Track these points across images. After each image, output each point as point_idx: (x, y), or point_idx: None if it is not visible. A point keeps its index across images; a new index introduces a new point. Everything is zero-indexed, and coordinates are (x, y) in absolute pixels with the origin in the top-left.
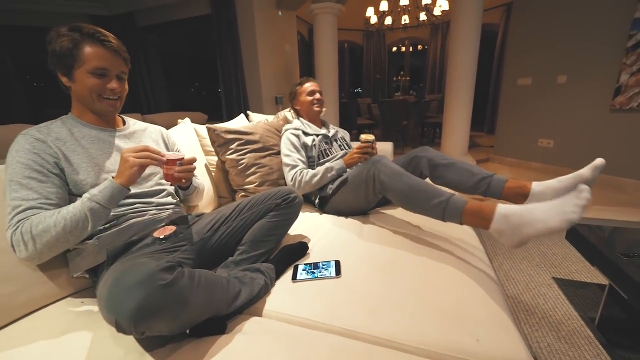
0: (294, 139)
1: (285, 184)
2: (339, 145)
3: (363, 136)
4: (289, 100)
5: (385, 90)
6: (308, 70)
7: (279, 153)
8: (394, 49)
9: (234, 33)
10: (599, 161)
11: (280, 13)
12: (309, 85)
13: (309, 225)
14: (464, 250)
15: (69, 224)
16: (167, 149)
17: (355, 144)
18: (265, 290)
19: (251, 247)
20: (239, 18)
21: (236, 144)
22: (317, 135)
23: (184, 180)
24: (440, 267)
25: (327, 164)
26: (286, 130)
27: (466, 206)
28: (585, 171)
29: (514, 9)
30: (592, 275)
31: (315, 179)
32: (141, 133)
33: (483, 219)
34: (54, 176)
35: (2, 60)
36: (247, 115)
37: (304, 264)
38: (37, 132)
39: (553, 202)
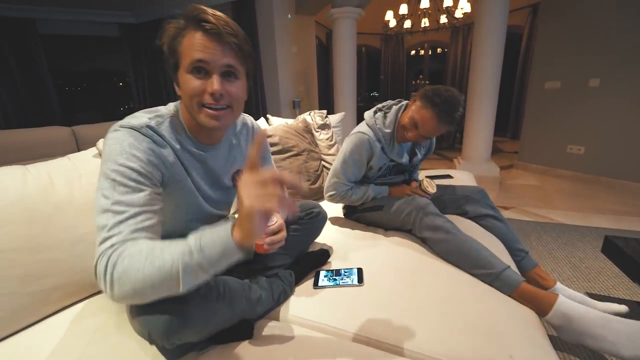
0: (365, 154)
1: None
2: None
3: (425, 183)
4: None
5: (403, 94)
6: (325, 75)
7: (298, 154)
8: (413, 52)
9: (253, 38)
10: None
11: (289, 16)
12: (422, 123)
13: (330, 231)
14: None
15: (153, 274)
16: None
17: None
18: (285, 296)
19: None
20: (259, 23)
21: None
22: (392, 162)
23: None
24: (467, 278)
25: (372, 191)
26: (366, 132)
27: (521, 286)
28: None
29: (540, 10)
30: (632, 292)
31: (357, 202)
32: (236, 147)
33: (537, 307)
34: (156, 189)
35: (39, 65)
36: (267, 119)
37: (326, 271)
38: (153, 132)
39: (630, 325)
